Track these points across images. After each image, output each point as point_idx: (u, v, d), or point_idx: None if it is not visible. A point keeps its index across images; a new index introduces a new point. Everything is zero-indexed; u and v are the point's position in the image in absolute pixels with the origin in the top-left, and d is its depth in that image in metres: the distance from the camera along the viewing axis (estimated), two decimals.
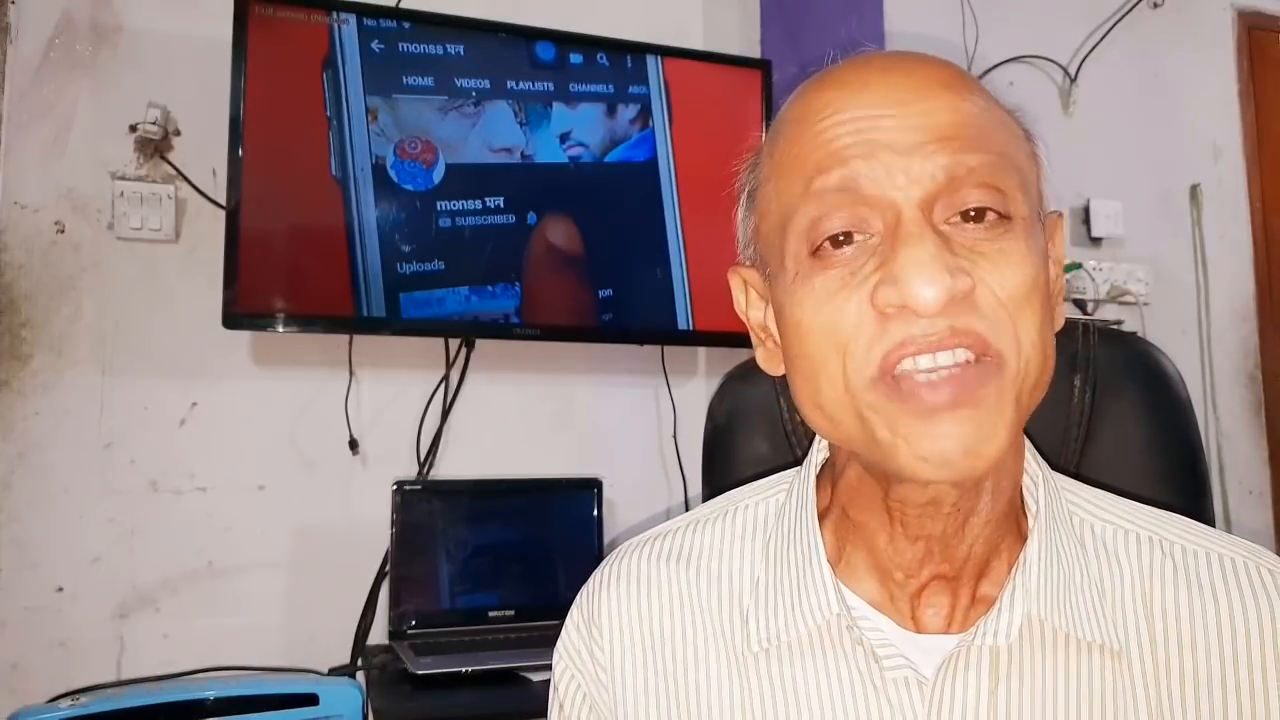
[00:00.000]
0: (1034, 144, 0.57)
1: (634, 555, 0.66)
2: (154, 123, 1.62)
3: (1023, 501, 0.59)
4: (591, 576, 0.67)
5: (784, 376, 0.59)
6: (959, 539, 0.56)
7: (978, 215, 0.51)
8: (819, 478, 0.64)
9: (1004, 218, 0.51)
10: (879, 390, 0.50)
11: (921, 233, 0.49)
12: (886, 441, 0.50)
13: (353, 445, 1.74)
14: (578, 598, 0.67)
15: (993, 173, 0.51)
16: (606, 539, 1.79)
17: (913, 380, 0.49)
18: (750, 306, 0.63)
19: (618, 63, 1.81)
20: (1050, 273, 0.55)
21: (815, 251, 0.52)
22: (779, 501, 0.65)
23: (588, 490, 1.79)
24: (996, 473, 0.54)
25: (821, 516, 0.62)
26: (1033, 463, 0.59)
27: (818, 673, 0.57)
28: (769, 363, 0.62)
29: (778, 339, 0.59)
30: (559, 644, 0.67)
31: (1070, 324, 0.73)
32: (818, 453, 0.64)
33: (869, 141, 0.51)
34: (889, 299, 0.49)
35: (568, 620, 0.67)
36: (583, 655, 0.65)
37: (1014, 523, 0.59)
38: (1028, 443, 0.60)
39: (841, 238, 0.52)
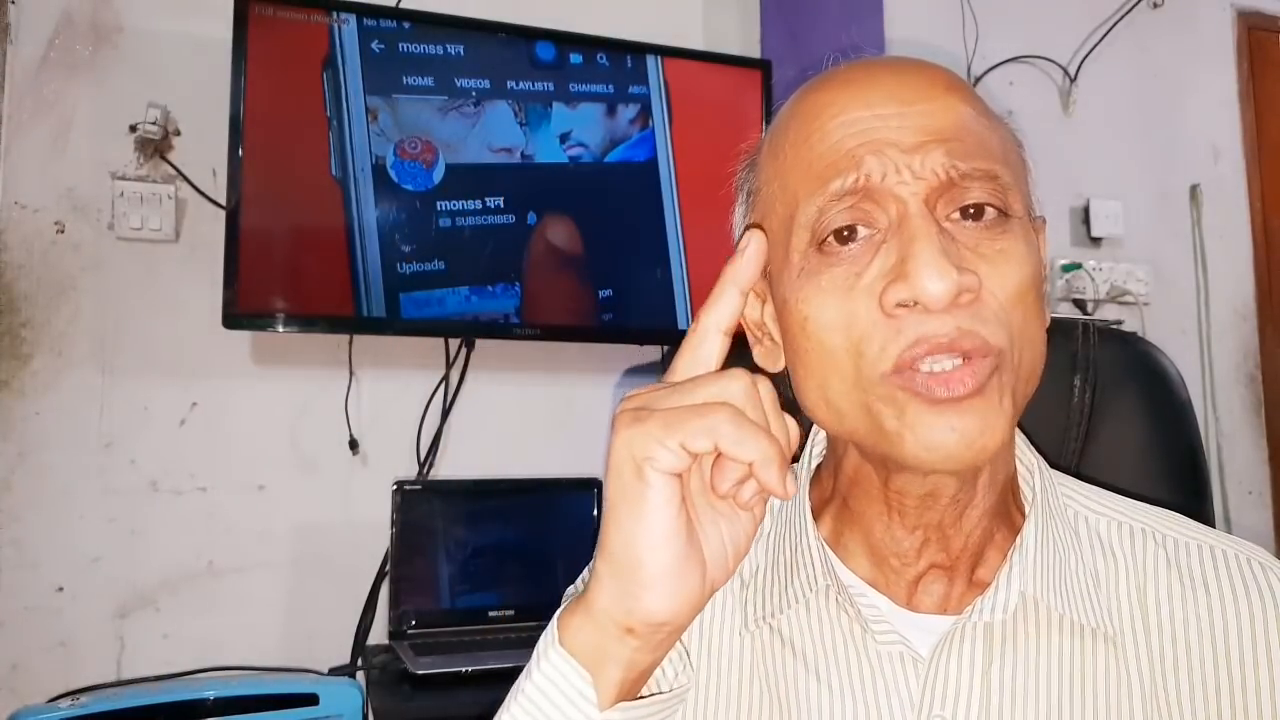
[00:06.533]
0: (1023, 150, 0.59)
1: None
2: (154, 123, 1.62)
3: (1017, 493, 0.61)
4: None
5: (779, 374, 0.59)
6: (956, 529, 0.57)
7: (976, 213, 0.52)
8: (818, 471, 0.65)
9: (1002, 214, 0.53)
10: (891, 384, 0.51)
11: (929, 230, 0.51)
12: (894, 431, 0.52)
13: (353, 445, 1.74)
14: None
15: (991, 171, 0.53)
16: None
17: (922, 374, 0.51)
18: (746, 306, 0.63)
19: (618, 63, 1.81)
20: (1040, 271, 0.57)
21: (820, 246, 0.54)
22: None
23: (588, 490, 1.78)
24: (992, 464, 0.56)
25: (821, 507, 0.63)
26: (1027, 453, 0.61)
27: (813, 638, 0.59)
28: (766, 360, 0.62)
29: (775, 336, 0.60)
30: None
31: (1070, 324, 0.74)
32: (813, 447, 0.66)
33: (876, 140, 0.53)
34: (900, 296, 0.50)
35: None
36: None
37: (1008, 513, 0.60)
38: (1020, 435, 0.61)
39: (846, 232, 0.53)
